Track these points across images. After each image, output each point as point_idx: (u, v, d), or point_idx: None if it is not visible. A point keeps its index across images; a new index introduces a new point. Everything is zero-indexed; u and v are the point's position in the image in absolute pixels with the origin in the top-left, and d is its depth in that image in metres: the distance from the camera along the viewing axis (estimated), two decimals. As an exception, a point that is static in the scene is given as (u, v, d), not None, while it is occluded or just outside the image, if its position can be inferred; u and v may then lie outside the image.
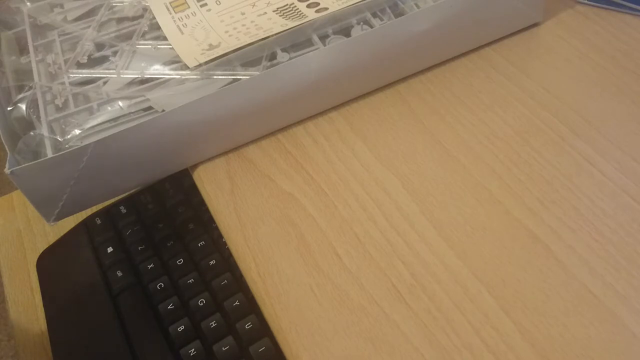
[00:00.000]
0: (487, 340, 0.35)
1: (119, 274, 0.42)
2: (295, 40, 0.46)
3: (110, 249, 0.43)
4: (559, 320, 0.35)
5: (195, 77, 0.44)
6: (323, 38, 0.47)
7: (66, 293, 0.44)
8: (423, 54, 0.48)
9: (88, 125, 0.42)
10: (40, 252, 0.51)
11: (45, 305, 0.46)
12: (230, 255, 0.41)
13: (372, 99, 0.49)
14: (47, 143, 0.41)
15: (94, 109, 0.44)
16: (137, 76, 0.45)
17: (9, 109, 0.44)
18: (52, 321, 0.42)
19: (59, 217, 0.43)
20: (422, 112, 0.47)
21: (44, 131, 0.42)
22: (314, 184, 0.44)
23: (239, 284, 0.40)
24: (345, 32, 0.47)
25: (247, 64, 0.45)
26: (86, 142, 0.40)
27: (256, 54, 0.45)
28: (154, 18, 0.49)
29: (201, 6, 0.49)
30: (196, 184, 0.46)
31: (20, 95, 0.45)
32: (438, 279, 0.37)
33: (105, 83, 0.45)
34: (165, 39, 0.47)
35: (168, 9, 0.49)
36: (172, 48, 0.46)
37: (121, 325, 0.40)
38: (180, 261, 0.42)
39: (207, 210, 0.44)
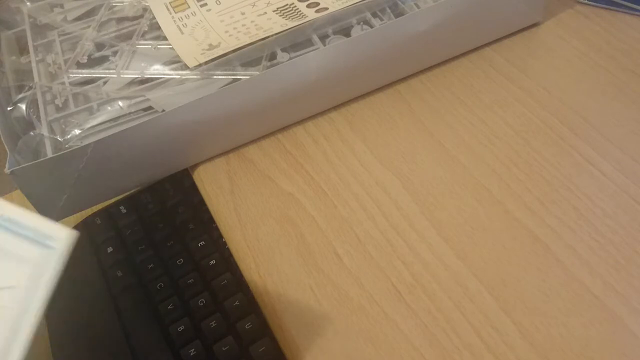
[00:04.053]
0: (487, 340, 0.35)
1: (119, 274, 0.42)
2: (295, 40, 0.46)
3: (110, 249, 0.43)
4: (559, 320, 0.35)
5: (195, 77, 0.44)
6: (323, 38, 0.47)
7: (66, 293, 0.44)
8: (423, 54, 0.48)
9: (88, 125, 0.42)
10: (40, 252, 0.51)
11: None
12: (230, 255, 0.41)
13: (372, 99, 0.49)
14: (47, 143, 0.41)
15: (94, 109, 0.44)
16: (137, 76, 0.45)
17: (9, 109, 0.44)
18: (52, 321, 0.42)
19: (59, 217, 0.43)
20: (422, 112, 0.47)
21: (44, 131, 0.42)
22: (314, 184, 0.44)
23: (239, 284, 0.40)
24: (345, 32, 0.47)
25: (247, 64, 0.45)
26: (86, 142, 0.40)
27: (256, 54, 0.45)
28: (154, 18, 0.49)
29: (201, 6, 0.49)
30: (196, 184, 0.46)
31: (20, 95, 0.45)
32: (438, 279, 0.37)
33: (105, 83, 0.45)
34: (165, 39, 0.47)
35: (168, 9, 0.49)
36: (172, 48, 0.46)
37: (121, 325, 0.40)
38: (180, 261, 0.42)
39: (207, 210, 0.44)
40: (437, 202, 0.41)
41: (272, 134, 0.47)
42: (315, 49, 0.44)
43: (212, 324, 0.38)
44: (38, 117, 0.43)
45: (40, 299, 0.26)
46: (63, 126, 0.43)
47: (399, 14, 0.48)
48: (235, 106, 0.43)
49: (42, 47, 0.49)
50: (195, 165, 0.46)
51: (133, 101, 0.44)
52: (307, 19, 0.46)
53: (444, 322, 0.36)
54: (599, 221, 0.39)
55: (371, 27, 0.47)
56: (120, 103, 0.44)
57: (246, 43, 0.45)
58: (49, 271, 0.26)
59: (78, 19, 0.51)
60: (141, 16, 0.50)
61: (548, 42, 0.51)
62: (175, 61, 0.45)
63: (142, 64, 0.46)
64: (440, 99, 0.48)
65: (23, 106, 0.44)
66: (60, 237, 0.26)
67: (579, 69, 0.48)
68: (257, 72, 0.43)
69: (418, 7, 0.47)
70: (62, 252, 0.26)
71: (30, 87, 0.45)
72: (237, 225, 0.42)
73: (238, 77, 0.43)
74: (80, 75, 0.46)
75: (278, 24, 0.46)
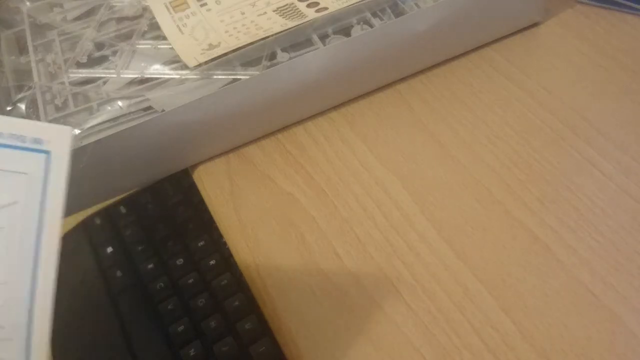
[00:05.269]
0: (487, 340, 0.35)
1: (119, 274, 0.42)
2: (295, 40, 0.46)
3: (110, 249, 0.43)
4: (559, 320, 0.35)
5: (195, 77, 0.44)
6: (323, 38, 0.47)
7: (66, 293, 0.44)
8: (423, 54, 0.48)
9: (88, 125, 0.42)
10: (40, 252, 0.51)
11: (45, 305, 0.45)
12: (230, 255, 0.41)
13: (372, 99, 0.49)
14: (47, 143, 0.41)
15: (94, 109, 0.44)
16: (137, 76, 0.45)
17: (8, 109, 0.44)
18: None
19: (59, 217, 0.43)
20: (422, 112, 0.47)
21: (44, 131, 0.42)
22: (314, 184, 0.44)
23: (239, 284, 0.40)
24: (345, 32, 0.47)
25: (247, 64, 0.45)
26: (86, 142, 0.40)
27: (256, 54, 0.45)
28: (154, 18, 0.49)
29: (201, 6, 0.49)
30: (196, 184, 0.46)
31: (20, 95, 0.45)
32: (438, 279, 0.37)
33: (105, 83, 0.45)
34: (165, 38, 0.47)
35: (168, 9, 0.49)
36: (172, 48, 0.46)
37: (121, 325, 0.40)
38: (180, 261, 0.42)
39: (207, 210, 0.44)
40: (437, 202, 0.41)
41: (272, 134, 0.47)
42: (315, 49, 0.44)
43: (212, 324, 0.38)
44: (38, 117, 0.43)
45: (53, 210, 0.22)
46: (63, 126, 0.43)
47: (399, 14, 0.48)
48: (235, 106, 0.43)
49: (42, 47, 0.49)
50: (195, 165, 0.46)
51: (133, 101, 0.44)
52: (307, 19, 0.46)
53: (444, 322, 0.36)
54: (599, 221, 0.39)
55: (371, 27, 0.47)
56: (120, 103, 0.44)
57: (246, 43, 0.45)
58: (52, 178, 0.22)
59: (78, 18, 0.51)
60: (141, 16, 0.50)
61: (548, 42, 0.51)
62: (175, 61, 0.45)
63: (142, 64, 0.46)
64: (440, 99, 0.48)
65: (23, 106, 0.44)
66: (53, 136, 0.22)
67: (579, 69, 0.48)
68: (257, 72, 0.43)
69: (418, 7, 0.47)
70: (60, 153, 0.22)
71: (30, 87, 0.45)
72: (237, 225, 0.42)
73: (238, 77, 0.43)
74: (80, 75, 0.46)
75: (278, 24, 0.46)
